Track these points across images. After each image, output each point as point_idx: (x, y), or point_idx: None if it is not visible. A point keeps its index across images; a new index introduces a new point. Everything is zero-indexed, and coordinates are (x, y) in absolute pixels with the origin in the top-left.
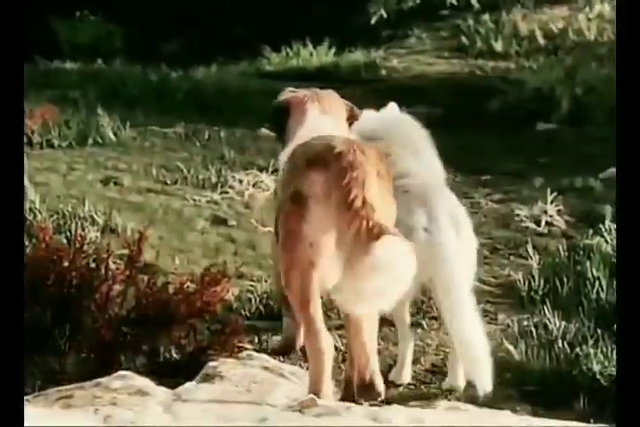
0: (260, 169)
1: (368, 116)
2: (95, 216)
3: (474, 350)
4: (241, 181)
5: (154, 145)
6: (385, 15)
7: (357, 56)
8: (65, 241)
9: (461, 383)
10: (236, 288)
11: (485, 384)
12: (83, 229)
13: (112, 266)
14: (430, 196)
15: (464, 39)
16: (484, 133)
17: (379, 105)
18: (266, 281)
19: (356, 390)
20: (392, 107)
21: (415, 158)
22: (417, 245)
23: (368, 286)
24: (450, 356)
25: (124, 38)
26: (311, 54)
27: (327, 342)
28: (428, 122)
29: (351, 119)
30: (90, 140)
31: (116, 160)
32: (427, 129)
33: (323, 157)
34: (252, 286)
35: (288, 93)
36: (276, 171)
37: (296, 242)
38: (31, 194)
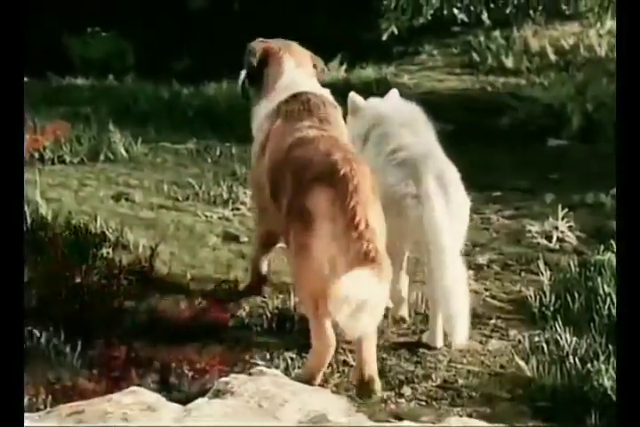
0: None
1: (375, 102)
2: (107, 232)
3: (455, 307)
4: None
5: (165, 161)
6: (396, 32)
7: (368, 72)
8: (77, 257)
9: (439, 344)
10: (248, 304)
11: (461, 338)
12: (95, 246)
13: (124, 282)
14: (419, 165)
15: (475, 55)
16: (494, 150)
17: None
18: (277, 297)
19: (355, 389)
20: (394, 92)
21: (411, 135)
22: (406, 211)
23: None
24: (431, 314)
25: (136, 55)
26: (322, 70)
27: (332, 340)
28: (438, 138)
29: (315, 67)
30: (101, 157)
31: (128, 176)
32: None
33: (328, 177)
34: (263, 301)
35: (260, 43)
36: None
37: (307, 255)
38: (43, 210)
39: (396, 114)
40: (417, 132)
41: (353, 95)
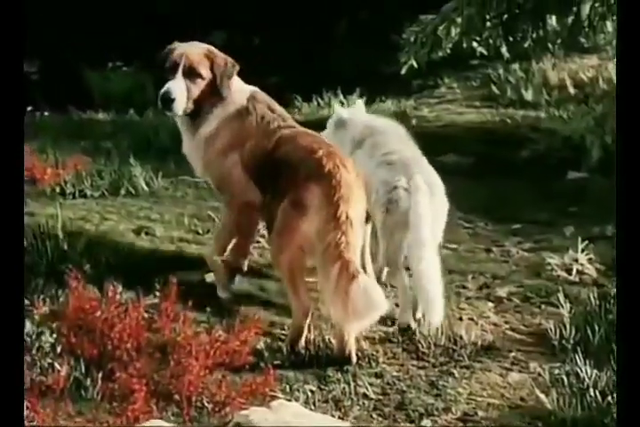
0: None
1: (362, 118)
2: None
3: (431, 292)
4: None
5: (186, 195)
6: (415, 65)
7: (388, 106)
8: (97, 291)
9: (413, 322)
10: (268, 337)
11: (437, 319)
12: (115, 279)
13: (144, 315)
14: (411, 166)
15: (494, 88)
16: (514, 182)
17: None
18: None
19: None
20: (360, 103)
21: (399, 143)
22: (398, 202)
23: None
24: (401, 298)
25: (156, 89)
26: (342, 104)
27: (308, 304)
28: (458, 171)
29: None
30: (122, 191)
31: (149, 210)
32: (458, 178)
33: (315, 174)
34: (283, 334)
35: (199, 45)
36: None
37: (295, 235)
38: (64, 244)
39: (387, 127)
40: (403, 142)
41: (340, 109)
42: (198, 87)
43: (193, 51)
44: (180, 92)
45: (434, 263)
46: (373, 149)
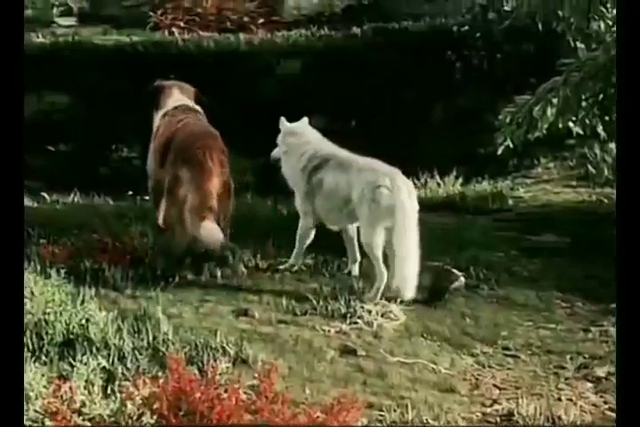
0: (388, 299)
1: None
2: (227, 347)
3: (406, 271)
4: (370, 312)
5: (284, 277)
6: (511, 145)
7: (484, 186)
8: (197, 372)
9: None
10: (366, 418)
11: (410, 294)
12: (215, 360)
13: (243, 397)
14: (393, 173)
15: (590, 168)
16: (611, 262)
17: (505, 235)
18: (395, 410)
19: None
20: (304, 120)
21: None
22: (380, 198)
23: None
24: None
25: (254, 172)
26: (438, 185)
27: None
28: (556, 251)
29: (198, 100)
30: (220, 273)
31: (248, 292)
32: (555, 257)
33: (190, 161)
34: (381, 415)
35: (160, 82)
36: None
37: (174, 197)
38: (164, 326)
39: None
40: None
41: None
42: None
43: None
44: None
45: (414, 248)
46: (341, 165)
